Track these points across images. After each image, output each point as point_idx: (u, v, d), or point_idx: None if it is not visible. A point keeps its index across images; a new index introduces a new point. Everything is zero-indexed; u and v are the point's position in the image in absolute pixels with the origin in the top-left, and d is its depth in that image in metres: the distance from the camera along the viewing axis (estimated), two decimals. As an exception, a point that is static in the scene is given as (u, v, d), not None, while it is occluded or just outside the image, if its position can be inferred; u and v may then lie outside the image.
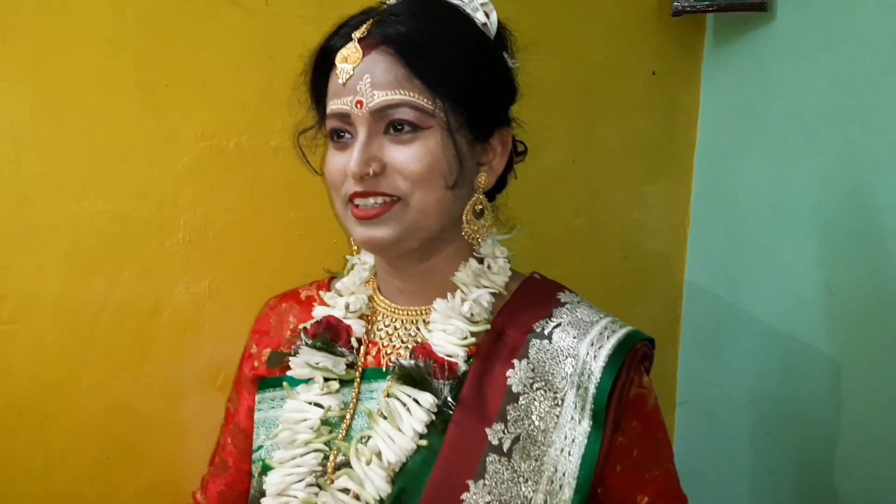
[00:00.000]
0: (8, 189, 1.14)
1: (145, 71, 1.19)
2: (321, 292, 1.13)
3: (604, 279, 1.63)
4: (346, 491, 0.95)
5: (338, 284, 1.11)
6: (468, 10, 1.00)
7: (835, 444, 1.43)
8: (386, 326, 1.06)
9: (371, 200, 0.94)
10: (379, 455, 0.95)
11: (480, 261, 1.04)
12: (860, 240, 1.38)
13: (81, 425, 1.22)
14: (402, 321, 1.05)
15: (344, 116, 0.95)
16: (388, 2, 1.01)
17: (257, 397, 1.10)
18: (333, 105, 0.96)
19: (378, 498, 0.93)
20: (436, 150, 0.94)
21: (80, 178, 1.17)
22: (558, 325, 1.00)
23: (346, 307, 1.06)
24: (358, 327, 1.05)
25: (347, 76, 0.94)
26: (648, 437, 0.99)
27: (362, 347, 1.05)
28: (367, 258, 1.11)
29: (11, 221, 1.15)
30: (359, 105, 0.93)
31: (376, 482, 0.93)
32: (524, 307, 1.03)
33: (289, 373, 1.04)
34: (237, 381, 1.17)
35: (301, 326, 1.07)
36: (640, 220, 1.65)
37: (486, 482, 0.92)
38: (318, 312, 1.08)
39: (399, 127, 0.93)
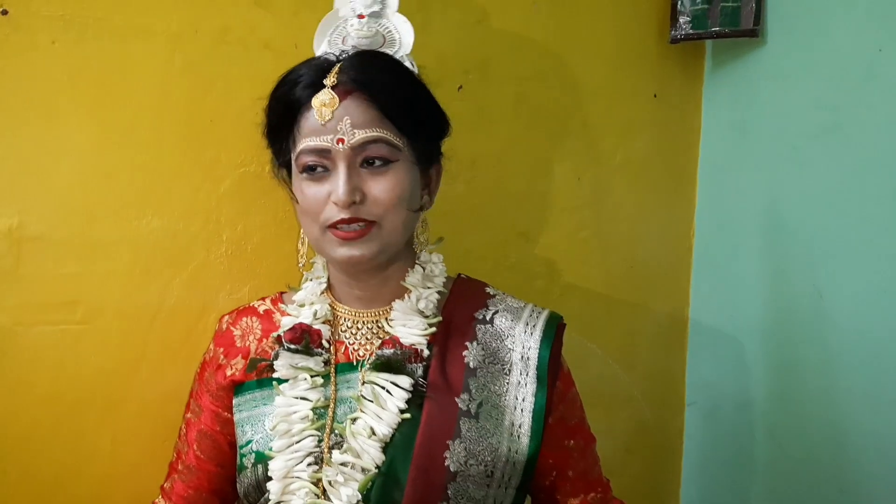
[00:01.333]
0: (77, 210, 1.31)
1: (191, 108, 1.35)
2: (280, 305, 1.26)
3: (610, 288, 1.70)
4: (345, 465, 1.10)
5: (296, 297, 1.24)
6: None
7: (829, 440, 1.49)
8: (350, 328, 1.21)
9: (354, 226, 1.10)
10: (372, 430, 1.11)
11: (423, 267, 1.22)
12: (844, 244, 1.46)
13: (141, 411, 1.37)
14: (364, 322, 1.21)
15: (323, 152, 1.09)
16: (333, 53, 1.17)
17: (235, 400, 1.21)
18: (311, 142, 1.10)
19: (375, 465, 1.09)
20: (403, 180, 1.12)
21: (138, 200, 1.34)
22: (496, 312, 1.21)
23: (314, 314, 1.20)
24: (325, 330, 1.19)
25: (328, 118, 1.08)
26: (567, 393, 1.22)
27: (331, 347, 1.19)
28: (322, 273, 1.25)
29: (81, 237, 1.31)
30: (340, 142, 1.08)
31: (371, 453, 1.09)
32: (463, 301, 1.23)
33: (275, 374, 1.17)
34: (197, 392, 1.27)
35: (275, 334, 1.19)
36: (645, 232, 1.72)
37: (462, 440, 1.11)
38: (288, 321, 1.20)
39: (372, 161, 1.10)
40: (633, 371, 1.74)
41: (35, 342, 1.32)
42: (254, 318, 1.26)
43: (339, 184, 1.08)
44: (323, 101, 1.09)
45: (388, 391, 1.12)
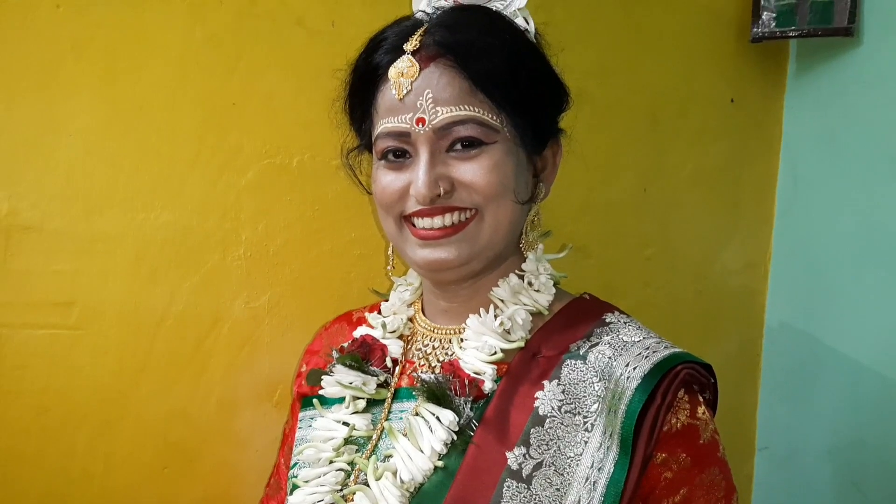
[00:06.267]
0: (78, 198, 1.17)
1: (212, 89, 1.21)
2: (373, 313, 1.10)
3: (675, 313, 1.56)
4: None
5: (383, 305, 1.09)
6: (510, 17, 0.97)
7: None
8: (424, 346, 1.02)
9: (438, 220, 0.91)
10: (395, 473, 0.90)
11: (522, 277, 0.99)
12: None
13: (140, 432, 1.23)
14: (440, 340, 1.02)
15: (402, 135, 0.91)
16: (424, 11, 0.97)
17: (300, 415, 1.08)
18: (388, 123, 0.91)
19: None
20: (503, 164, 0.91)
21: (147, 190, 1.19)
22: (595, 344, 0.92)
23: (384, 326, 1.04)
24: (395, 347, 1.03)
25: (405, 92, 0.89)
26: (700, 474, 0.87)
27: (398, 368, 1.02)
28: (413, 279, 1.09)
29: (80, 229, 1.17)
30: (420, 123, 0.89)
31: (391, 501, 0.89)
32: (564, 327, 0.97)
33: (320, 391, 1.02)
34: (292, 402, 1.15)
35: (337, 347, 1.06)
36: (716, 253, 1.59)
37: None
38: (359, 332, 1.06)
39: (465, 143, 0.90)
40: (698, 409, 1.55)
41: (22, 347, 1.17)
42: (344, 326, 1.14)
43: (419, 173, 0.90)
44: (401, 71, 0.90)
45: (429, 427, 0.91)
